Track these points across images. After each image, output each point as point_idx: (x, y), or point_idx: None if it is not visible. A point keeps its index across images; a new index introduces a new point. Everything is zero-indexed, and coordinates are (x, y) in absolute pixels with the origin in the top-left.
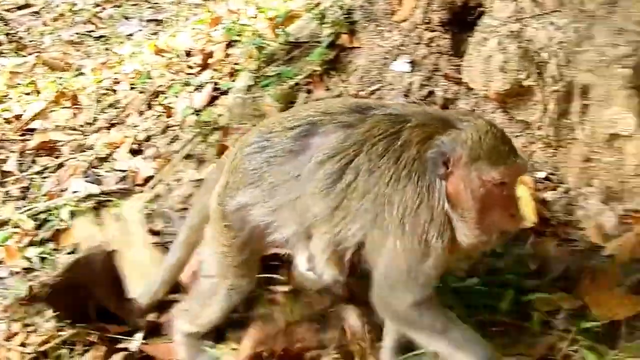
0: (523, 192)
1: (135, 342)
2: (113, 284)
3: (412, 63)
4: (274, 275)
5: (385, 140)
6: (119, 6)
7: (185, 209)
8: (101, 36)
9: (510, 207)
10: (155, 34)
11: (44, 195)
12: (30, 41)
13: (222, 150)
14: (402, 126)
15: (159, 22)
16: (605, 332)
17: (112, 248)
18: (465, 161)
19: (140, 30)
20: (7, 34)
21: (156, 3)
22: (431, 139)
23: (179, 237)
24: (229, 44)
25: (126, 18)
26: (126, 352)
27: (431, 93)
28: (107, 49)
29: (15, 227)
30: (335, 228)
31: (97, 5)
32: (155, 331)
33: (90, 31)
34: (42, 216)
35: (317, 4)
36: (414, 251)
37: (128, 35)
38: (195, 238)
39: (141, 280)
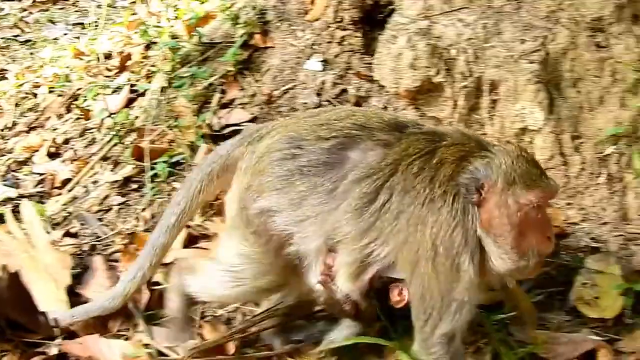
0: None
1: (54, 347)
2: (22, 300)
3: (325, 62)
4: None
5: (420, 159)
6: (45, 10)
7: (102, 210)
8: (27, 40)
9: (546, 229)
10: (79, 37)
11: None
12: None
13: (137, 151)
14: (437, 145)
15: (85, 25)
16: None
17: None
18: (500, 187)
19: (66, 34)
20: None
21: (83, 7)
22: (465, 159)
23: (169, 219)
24: (148, 46)
25: (52, 22)
26: (44, 356)
27: (344, 91)
28: (32, 53)
29: None
30: (365, 249)
31: (24, 10)
32: (71, 336)
33: (16, 36)
34: None
35: (231, 5)
36: (446, 275)
37: (54, 39)
38: (187, 220)
39: (49, 283)
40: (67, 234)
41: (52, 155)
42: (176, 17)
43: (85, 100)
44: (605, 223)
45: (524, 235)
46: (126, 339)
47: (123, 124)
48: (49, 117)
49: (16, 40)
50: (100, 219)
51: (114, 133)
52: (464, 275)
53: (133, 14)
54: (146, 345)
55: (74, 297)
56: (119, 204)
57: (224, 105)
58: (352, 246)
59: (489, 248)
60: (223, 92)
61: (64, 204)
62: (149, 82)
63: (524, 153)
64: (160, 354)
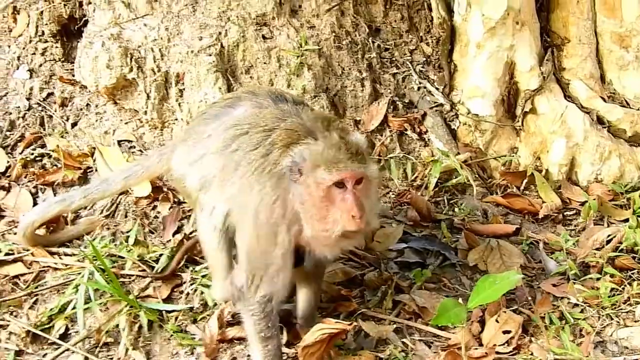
0: None
1: None
2: None
3: (31, 71)
4: None
5: (260, 133)
6: None
7: None
8: None
9: (350, 208)
10: None
11: None
12: None
13: None
14: (277, 125)
15: None
16: None
17: None
18: (309, 168)
19: None
20: None
21: None
22: (291, 145)
23: (114, 185)
24: None
25: None
26: None
27: (50, 94)
28: None
29: None
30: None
31: None
32: None
33: None
34: None
35: None
36: (266, 239)
37: None
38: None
39: None
40: None
41: None
42: None
43: None
44: None
45: (327, 210)
46: None
47: None
48: None
49: None
50: None
51: None
52: (280, 243)
53: None
54: None
55: None
56: None
57: None
58: (217, 183)
59: (304, 219)
60: None
61: None
62: None
63: (342, 142)
64: None
